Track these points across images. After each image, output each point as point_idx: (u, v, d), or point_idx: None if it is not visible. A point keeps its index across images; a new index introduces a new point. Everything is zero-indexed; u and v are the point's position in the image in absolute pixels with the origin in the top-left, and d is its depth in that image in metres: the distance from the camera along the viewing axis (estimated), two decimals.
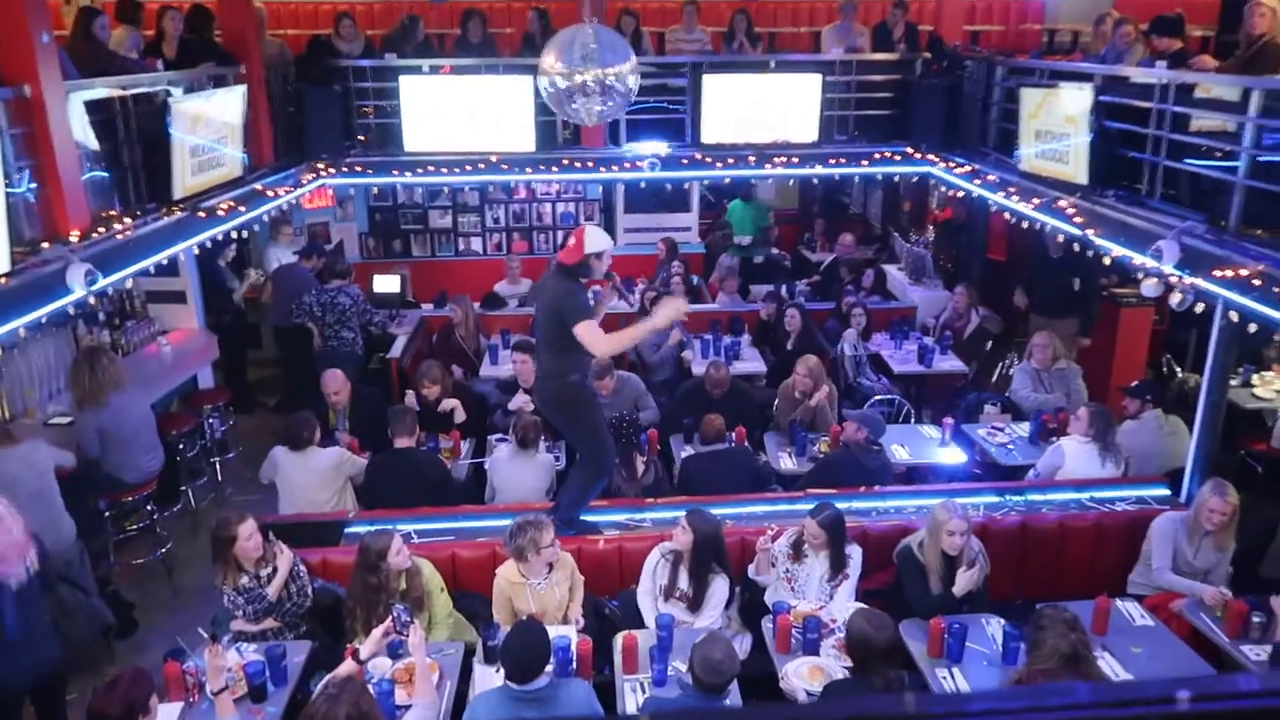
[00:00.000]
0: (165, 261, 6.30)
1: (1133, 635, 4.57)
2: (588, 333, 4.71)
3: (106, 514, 6.37)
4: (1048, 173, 7.31)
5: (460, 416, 6.92)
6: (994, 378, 8.66)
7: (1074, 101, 6.88)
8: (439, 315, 9.37)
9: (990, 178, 8.19)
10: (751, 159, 9.43)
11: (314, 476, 5.95)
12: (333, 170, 9.14)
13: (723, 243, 11.47)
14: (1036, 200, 7.27)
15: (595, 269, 4.82)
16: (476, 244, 11.88)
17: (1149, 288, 5.70)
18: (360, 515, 5.72)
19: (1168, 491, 5.83)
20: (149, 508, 6.69)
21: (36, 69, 5.24)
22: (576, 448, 5.23)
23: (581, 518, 5.40)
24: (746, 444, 6.63)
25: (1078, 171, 6.88)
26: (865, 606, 4.33)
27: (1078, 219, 6.65)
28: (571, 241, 4.81)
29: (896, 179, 11.09)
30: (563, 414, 5.07)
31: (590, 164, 9.40)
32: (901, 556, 4.91)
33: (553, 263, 4.98)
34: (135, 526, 6.85)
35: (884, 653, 3.82)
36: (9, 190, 4.85)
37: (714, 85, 9.31)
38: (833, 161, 9.54)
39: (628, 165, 9.42)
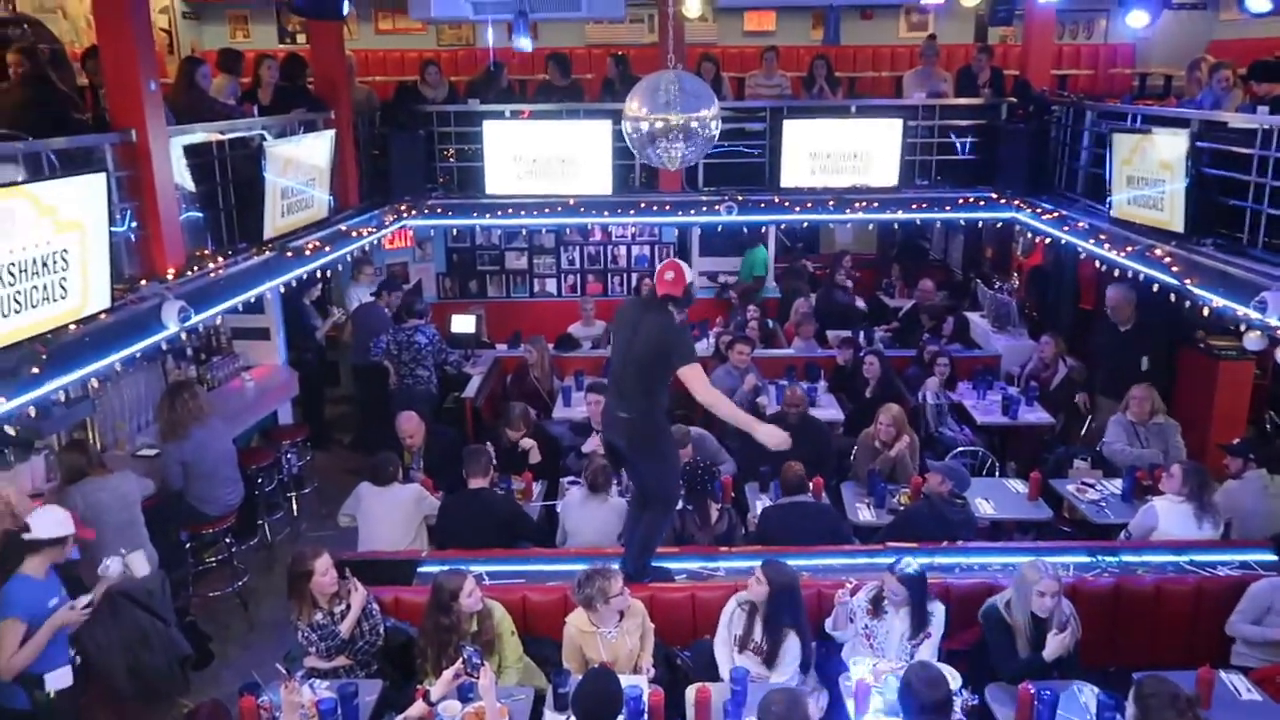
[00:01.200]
0: (253, 299, 6.52)
1: (1239, 711, 4.35)
2: (698, 377, 4.66)
3: (187, 545, 6.55)
4: (1141, 220, 7.15)
5: (535, 457, 6.96)
6: (1083, 431, 8.41)
7: (1170, 147, 6.73)
8: (513, 355, 9.49)
9: (1079, 224, 8.04)
10: (830, 203, 9.40)
11: (396, 512, 6.03)
12: (414, 211, 9.39)
13: (795, 287, 11.44)
14: (1129, 248, 7.10)
15: (689, 301, 4.84)
16: (551, 285, 12.05)
17: (1252, 341, 5.50)
18: (433, 555, 5.76)
19: (1275, 556, 5.56)
20: (228, 540, 6.85)
21: (144, 115, 5.52)
22: (646, 488, 5.17)
23: (654, 564, 5.36)
24: (825, 497, 6.54)
25: (1173, 219, 6.71)
26: (945, 666, 4.22)
27: (1175, 268, 6.47)
28: (670, 275, 4.77)
29: (980, 224, 10.96)
30: (647, 451, 4.99)
31: (666, 207, 9.49)
32: (987, 616, 4.78)
33: (644, 293, 5.00)
34: (214, 559, 7.02)
35: (929, 708, 3.72)
36: (113, 229, 5.09)
37: (793, 130, 9.34)
38: (914, 206, 9.48)
39: (704, 209, 9.48)
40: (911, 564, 4.77)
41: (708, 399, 4.73)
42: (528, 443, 6.95)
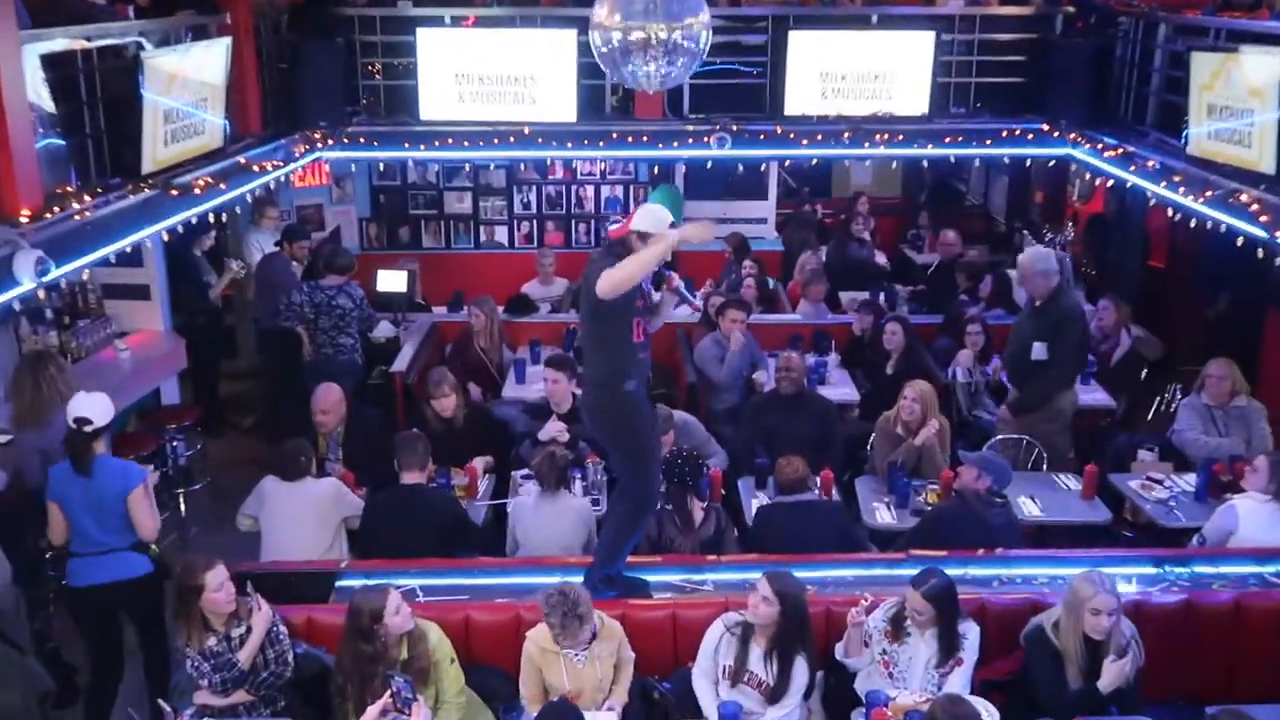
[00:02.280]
0: (129, 249, 6.43)
1: None
2: (608, 276, 4.69)
3: (47, 555, 6.48)
4: (1224, 158, 7.19)
5: (487, 466, 6.96)
6: (1150, 415, 8.49)
7: (1261, 69, 6.76)
8: (454, 321, 9.45)
9: (1149, 163, 8.08)
10: (845, 135, 9.40)
11: (309, 513, 6.02)
12: (331, 141, 9.28)
13: (802, 239, 11.45)
14: (1209, 192, 7.14)
15: (625, 250, 4.83)
16: (502, 234, 11.98)
17: None
18: (355, 566, 5.74)
19: None
20: None
21: None
22: (619, 474, 5.26)
23: (625, 574, 5.38)
24: (835, 494, 6.57)
25: (1263, 157, 6.76)
26: (980, 700, 4.26)
27: (1263, 217, 6.52)
28: (625, 219, 4.89)
29: (1028, 163, 10.99)
30: (610, 430, 5.07)
31: (644, 138, 9.45)
32: (1031, 640, 4.82)
33: (602, 244, 5.04)
34: None
35: None
36: None
37: (801, 44, 9.29)
38: (947, 140, 9.51)
39: (690, 141, 9.45)
40: (940, 576, 4.79)
41: (613, 278, 4.68)
42: (560, 426, 6.90)
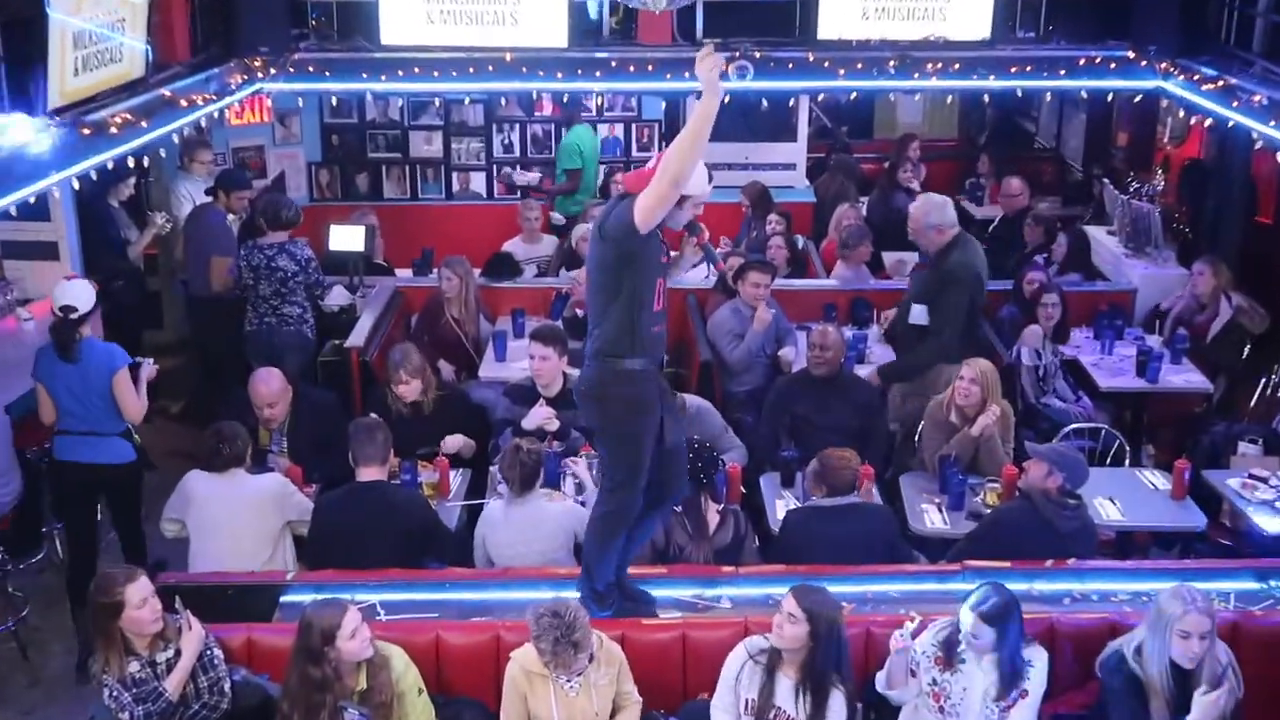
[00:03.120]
0: (32, 199, 6.41)
1: None
2: (649, 194, 4.55)
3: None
4: None
5: (466, 450, 7.02)
6: (1253, 401, 8.48)
7: None
8: (422, 286, 9.43)
9: (1255, 98, 8.03)
10: (891, 64, 9.36)
11: (247, 514, 6.03)
12: (273, 71, 9.25)
13: (839, 190, 11.42)
14: None
15: (673, 214, 4.78)
16: (479, 183, 11.98)
17: None
18: (302, 578, 5.76)
19: None
20: None
21: None
22: (600, 469, 5.32)
23: (629, 584, 5.39)
24: (875, 495, 6.58)
25: None
26: None
27: None
28: (650, 163, 4.75)
29: (1109, 98, 10.93)
30: (598, 416, 5.03)
31: (649, 68, 9.42)
32: (1109, 668, 4.84)
33: (615, 194, 5.00)
34: None
35: None
36: None
37: None
38: (1013, 70, 9.46)
39: None
40: (1000, 593, 4.79)
41: (669, 172, 4.54)
42: (453, 444, 6.92)
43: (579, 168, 11.03)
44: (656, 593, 5.51)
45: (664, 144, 11.75)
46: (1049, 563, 5.76)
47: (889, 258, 10.34)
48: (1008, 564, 5.64)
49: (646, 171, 4.69)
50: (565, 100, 11.20)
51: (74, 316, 6.38)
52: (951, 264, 7.42)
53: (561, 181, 11.15)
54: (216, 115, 8.87)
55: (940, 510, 6.59)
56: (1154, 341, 8.65)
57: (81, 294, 6.47)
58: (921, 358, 7.50)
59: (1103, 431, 7.71)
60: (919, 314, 7.44)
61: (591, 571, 5.27)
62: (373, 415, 6.68)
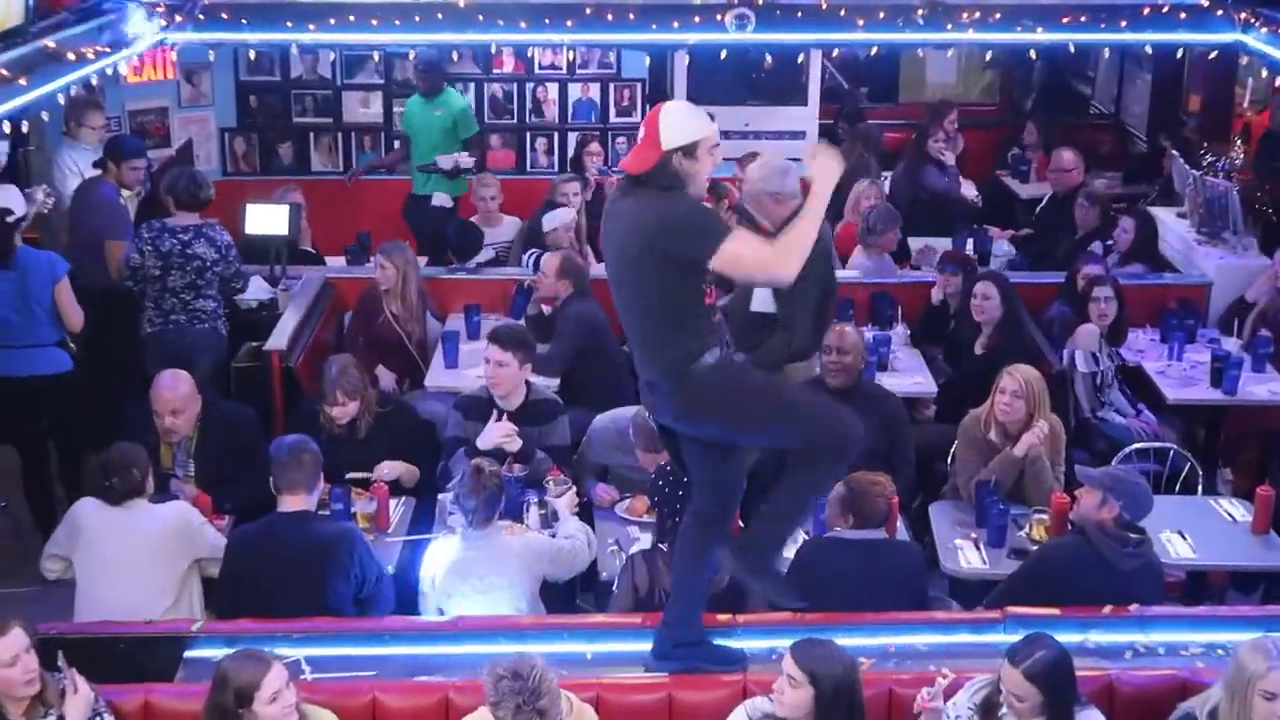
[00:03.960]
0: None
1: None
2: (754, 251, 4.72)
3: None
4: None
5: (410, 480, 7.01)
6: None
7: None
8: (356, 277, 9.40)
9: None
10: (919, 13, 9.38)
11: (142, 552, 6.00)
12: (179, 18, 9.22)
13: (858, 163, 11.41)
14: None
15: (692, 174, 4.77)
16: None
17: None
18: (211, 629, 5.74)
19: None
20: None
21: None
22: (719, 479, 5.23)
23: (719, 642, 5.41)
24: (901, 528, 6.58)
25: None
26: None
27: None
28: (641, 134, 4.76)
29: (1179, 54, 10.97)
30: (725, 415, 4.99)
31: (630, 16, 9.44)
32: None
33: (619, 183, 5.00)
34: None
35: None
36: None
37: None
38: (1065, 21, 9.48)
39: (697, 20, 9.41)
40: (1049, 646, 4.79)
41: (795, 260, 4.72)
42: (390, 470, 6.91)
43: (448, 146, 10.88)
44: (634, 647, 5.50)
45: (647, 106, 11.80)
46: (1107, 609, 5.74)
47: (916, 244, 10.34)
48: (1057, 611, 5.64)
49: (641, 145, 4.75)
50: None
51: (10, 220, 7.21)
52: None
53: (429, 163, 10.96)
54: (110, 71, 8.80)
55: (977, 546, 6.59)
56: (1232, 345, 8.63)
57: (14, 198, 7.29)
58: (770, 355, 7.25)
59: (1171, 452, 7.71)
60: (762, 300, 7.25)
61: (770, 547, 5.27)
62: (298, 434, 6.62)
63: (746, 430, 5.05)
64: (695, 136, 4.73)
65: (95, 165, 9.13)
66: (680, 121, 4.76)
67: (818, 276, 6.95)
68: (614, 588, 6.06)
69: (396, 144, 11.28)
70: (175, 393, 6.81)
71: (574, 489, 6.69)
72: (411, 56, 11.31)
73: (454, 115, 10.94)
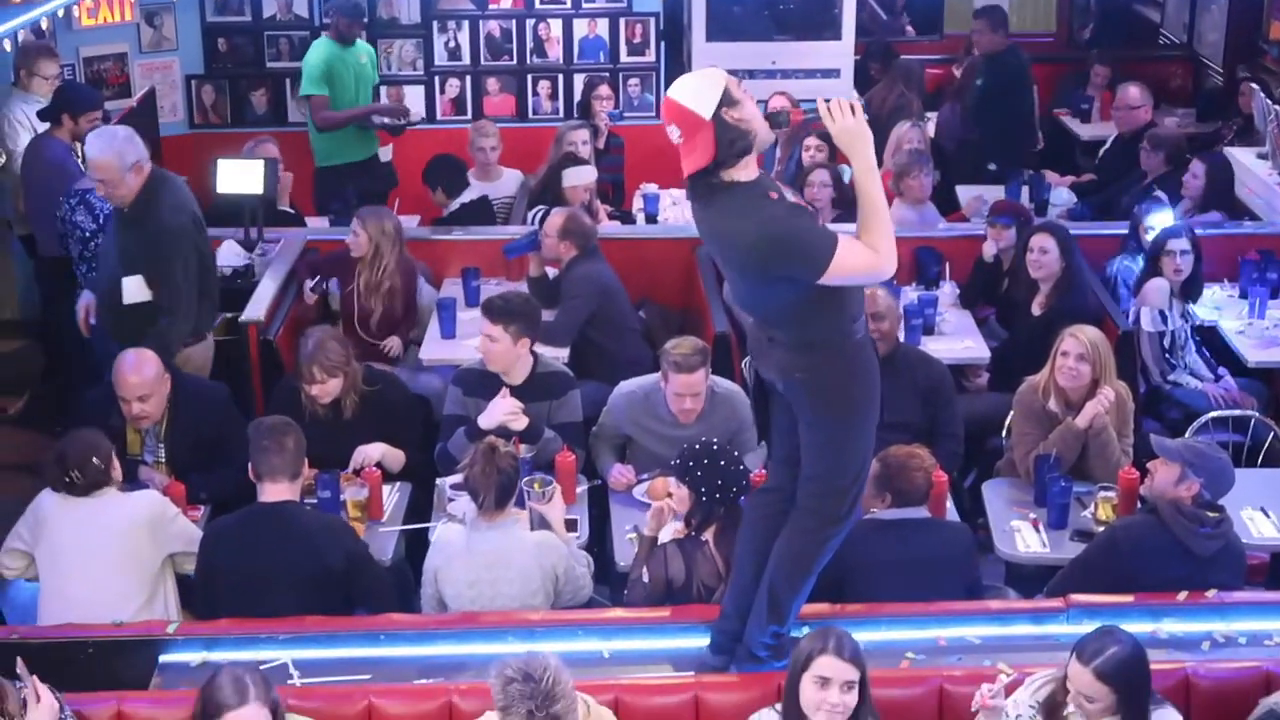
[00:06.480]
0: None
1: None
2: (861, 258, 4.83)
3: None
4: None
5: (394, 464, 7.03)
6: None
7: None
8: (340, 239, 9.38)
9: None
10: None
11: (110, 547, 6.02)
12: None
13: (898, 103, 11.40)
14: None
15: (746, 119, 4.80)
16: (415, 98, 11.93)
17: None
18: (188, 630, 5.76)
19: None
20: None
21: None
22: (813, 470, 5.25)
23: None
24: (950, 508, 6.60)
25: None
26: None
27: None
28: (675, 134, 4.81)
29: None
30: (830, 406, 5.09)
31: None
32: None
33: (689, 190, 5.03)
34: None
35: None
36: None
37: None
38: None
39: None
40: (1120, 640, 4.80)
41: (887, 264, 4.90)
42: (372, 453, 6.92)
43: (324, 94, 10.70)
44: (661, 644, 5.54)
45: (661, 44, 11.78)
46: (1182, 596, 5.74)
47: (965, 193, 10.32)
48: (1129, 598, 5.65)
49: (688, 132, 4.79)
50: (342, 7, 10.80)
51: None
52: (163, 214, 7.32)
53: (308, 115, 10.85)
54: (62, 14, 8.81)
55: (1037, 528, 6.59)
56: None
57: None
58: (161, 340, 7.21)
59: (1252, 421, 7.71)
60: (135, 289, 7.27)
61: (783, 612, 5.30)
62: (279, 415, 6.62)
63: (817, 414, 5.09)
64: (719, 84, 4.78)
65: (42, 117, 9.10)
66: (696, 85, 4.83)
67: (191, 258, 7.31)
68: (631, 578, 6.05)
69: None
70: (141, 376, 6.77)
71: (560, 490, 6.49)
72: None
73: (371, 58, 11.03)
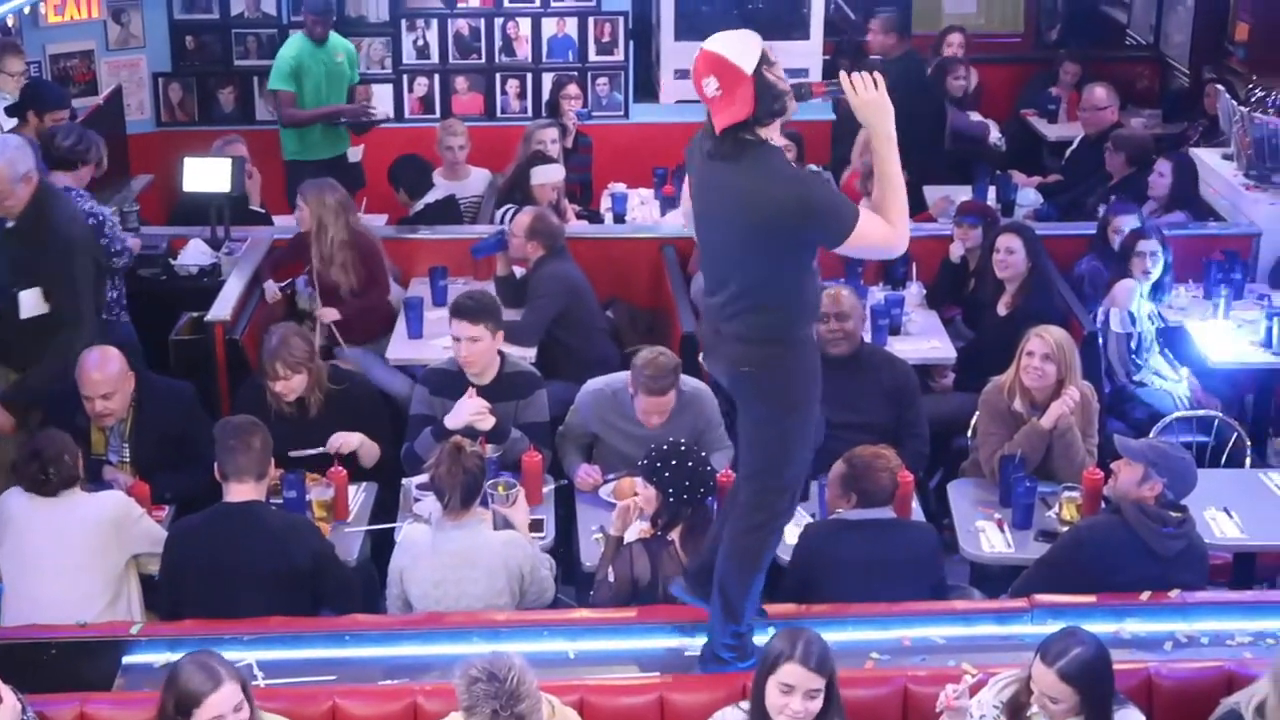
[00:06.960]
0: None
1: None
2: (879, 230, 4.94)
3: None
4: None
5: (369, 456, 7.03)
6: None
7: None
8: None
9: None
10: None
11: (73, 546, 6.01)
12: None
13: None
14: None
15: (778, 81, 4.84)
16: (384, 97, 11.92)
17: None
18: (152, 631, 5.76)
19: None
20: None
21: None
22: (744, 468, 5.33)
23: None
24: (916, 507, 6.64)
25: None
26: None
27: None
28: (713, 86, 4.81)
29: None
30: (774, 403, 5.11)
31: None
32: None
33: (700, 142, 5.02)
34: None
35: None
36: None
37: None
38: None
39: None
40: (1083, 640, 4.83)
41: (900, 238, 5.05)
42: (345, 441, 6.93)
43: (291, 90, 10.67)
44: (627, 644, 5.56)
45: (630, 44, 11.79)
46: (1145, 596, 5.78)
47: (932, 193, 10.35)
48: (1091, 598, 5.69)
49: (708, 93, 4.82)
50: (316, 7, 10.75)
51: None
52: (58, 223, 7.20)
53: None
54: (27, 10, 8.78)
55: (1001, 528, 6.61)
56: None
57: None
58: (58, 364, 7.03)
59: (1216, 421, 7.75)
60: (32, 303, 7.12)
61: (735, 610, 5.30)
62: (245, 415, 6.62)
63: (763, 409, 5.13)
64: (759, 42, 4.84)
65: (8, 113, 9.07)
66: (738, 40, 4.85)
67: (88, 265, 7.22)
68: (597, 578, 6.09)
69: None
70: (104, 373, 6.75)
71: (523, 492, 6.53)
72: None
73: (350, 57, 10.97)
